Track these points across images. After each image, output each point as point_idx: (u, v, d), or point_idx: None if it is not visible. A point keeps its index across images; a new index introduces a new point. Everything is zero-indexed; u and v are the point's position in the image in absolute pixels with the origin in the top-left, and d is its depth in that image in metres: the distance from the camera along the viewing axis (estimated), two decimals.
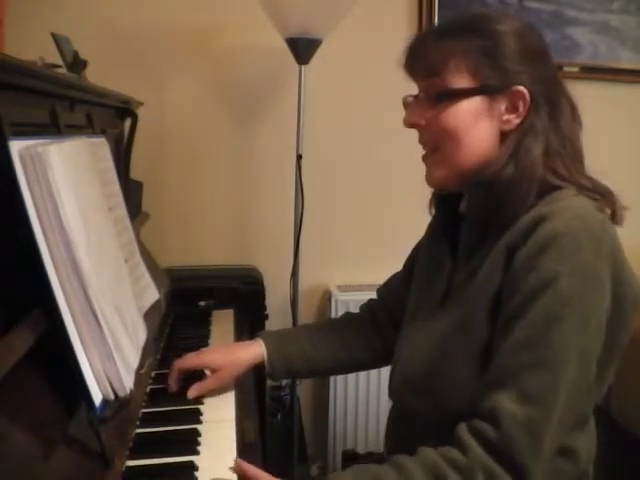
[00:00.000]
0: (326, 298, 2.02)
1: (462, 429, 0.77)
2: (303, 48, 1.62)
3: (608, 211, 0.84)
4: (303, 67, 1.67)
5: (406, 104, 0.93)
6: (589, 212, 0.80)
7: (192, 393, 1.02)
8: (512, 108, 0.85)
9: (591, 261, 0.76)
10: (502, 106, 0.85)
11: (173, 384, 1.04)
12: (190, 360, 1.06)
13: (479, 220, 0.87)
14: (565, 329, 0.75)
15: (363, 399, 1.97)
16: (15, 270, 0.68)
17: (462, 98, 0.85)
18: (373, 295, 1.21)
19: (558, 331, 0.75)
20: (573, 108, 0.89)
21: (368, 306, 1.19)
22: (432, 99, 0.87)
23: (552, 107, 0.85)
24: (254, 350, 1.08)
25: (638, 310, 0.84)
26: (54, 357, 0.71)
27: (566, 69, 2.08)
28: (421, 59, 0.89)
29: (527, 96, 0.84)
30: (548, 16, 2.07)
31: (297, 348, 1.11)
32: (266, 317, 1.77)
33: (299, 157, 1.70)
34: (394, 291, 1.14)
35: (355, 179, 2.01)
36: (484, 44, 0.84)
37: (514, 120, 0.85)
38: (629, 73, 2.16)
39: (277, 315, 1.86)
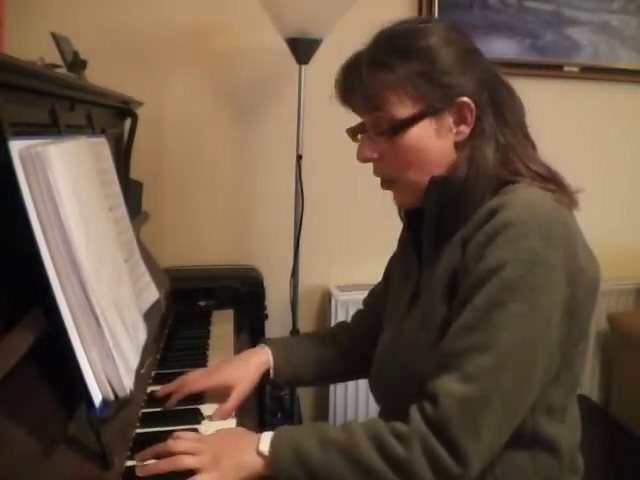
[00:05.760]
0: (326, 298, 2.02)
1: (412, 407, 0.79)
2: (303, 48, 1.62)
3: (566, 201, 0.84)
4: (303, 67, 1.66)
5: (351, 136, 0.94)
6: (539, 201, 0.80)
7: (217, 418, 0.97)
8: (460, 119, 0.85)
9: (539, 248, 0.76)
10: (450, 120, 0.85)
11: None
12: (201, 382, 1.01)
13: (434, 217, 0.88)
14: (508, 314, 0.75)
15: (363, 399, 1.98)
16: (15, 270, 0.68)
17: (410, 126, 0.85)
18: None
19: (500, 316, 0.75)
20: (512, 96, 0.89)
21: (358, 315, 1.20)
22: (382, 133, 0.87)
23: (495, 105, 0.86)
24: (261, 357, 1.07)
25: (596, 297, 0.83)
26: (54, 357, 0.71)
27: (566, 69, 2.08)
28: (358, 95, 0.88)
29: (472, 105, 0.84)
30: (548, 16, 2.07)
31: (302, 354, 1.10)
32: (266, 317, 1.77)
33: (299, 157, 1.70)
34: (378, 299, 1.14)
35: (355, 179, 1.99)
36: (418, 67, 0.83)
37: (465, 130, 0.85)
38: (629, 73, 2.16)
39: (277, 315, 1.86)
